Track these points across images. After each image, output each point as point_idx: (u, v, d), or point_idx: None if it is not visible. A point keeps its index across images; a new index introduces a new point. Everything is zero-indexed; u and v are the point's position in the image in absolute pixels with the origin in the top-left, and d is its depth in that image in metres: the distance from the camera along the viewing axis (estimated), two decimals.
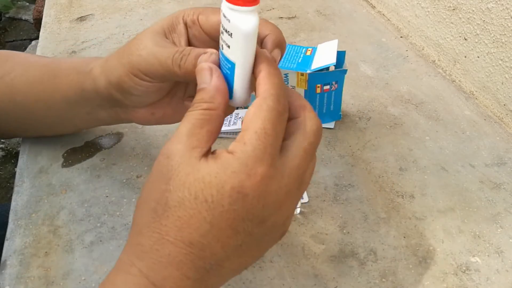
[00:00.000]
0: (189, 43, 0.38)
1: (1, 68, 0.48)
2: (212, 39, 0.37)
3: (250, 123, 0.28)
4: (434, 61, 0.68)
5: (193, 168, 0.28)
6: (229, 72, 0.31)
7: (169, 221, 0.27)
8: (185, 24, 0.37)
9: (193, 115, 0.29)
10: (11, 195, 0.48)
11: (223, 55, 0.31)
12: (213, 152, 0.29)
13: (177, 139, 0.29)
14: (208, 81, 0.31)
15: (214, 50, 0.33)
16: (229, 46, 0.30)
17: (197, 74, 0.32)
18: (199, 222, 0.27)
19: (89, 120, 0.48)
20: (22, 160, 0.51)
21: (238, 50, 0.30)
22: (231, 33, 0.29)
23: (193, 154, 0.28)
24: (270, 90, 0.29)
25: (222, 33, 0.30)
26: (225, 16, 0.29)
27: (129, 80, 0.38)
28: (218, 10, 0.36)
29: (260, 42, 0.35)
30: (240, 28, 0.28)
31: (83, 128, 0.53)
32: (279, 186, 0.28)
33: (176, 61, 0.35)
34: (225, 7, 0.29)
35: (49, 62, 0.49)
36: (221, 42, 0.31)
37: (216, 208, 0.27)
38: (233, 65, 0.30)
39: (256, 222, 0.28)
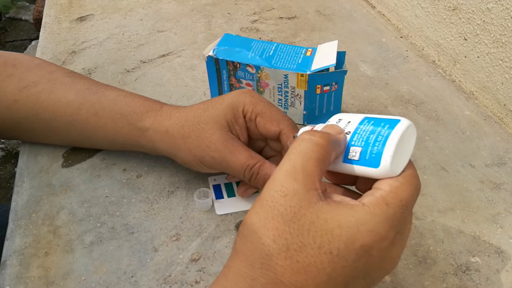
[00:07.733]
0: (248, 135, 0.44)
1: (26, 77, 0.47)
2: (264, 140, 0.45)
3: (397, 190, 0.29)
4: (434, 61, 0.68)
5: (318, 217, 0.27)
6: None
7: (286, 263, 0.27)
8: (244, 117, 0.43)
9: (306, 150, 0.29)
10: (11, 195, 0.47)
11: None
12: (330, 195, 0.29)
13: (292, 176, 0.28)
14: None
15: None
16: None
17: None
18: (317, 271, 0.27)
19: (125, 149, 0.49)
20: (22, 160, 0.51)
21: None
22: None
23: (312, 199, 0.28)
24: (414, 172, 0.30)
25: None
26: None
27: (197, 165, 0.43)
28: (275, 117, 0.42)
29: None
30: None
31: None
32: (397, 253, 0.29)
33: (247, 176, 0.41)
34: None
35: (83, 90, 0.47)
36: None
37: (339, 262, 0.27)
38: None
39: (368, 281, 0.29)
